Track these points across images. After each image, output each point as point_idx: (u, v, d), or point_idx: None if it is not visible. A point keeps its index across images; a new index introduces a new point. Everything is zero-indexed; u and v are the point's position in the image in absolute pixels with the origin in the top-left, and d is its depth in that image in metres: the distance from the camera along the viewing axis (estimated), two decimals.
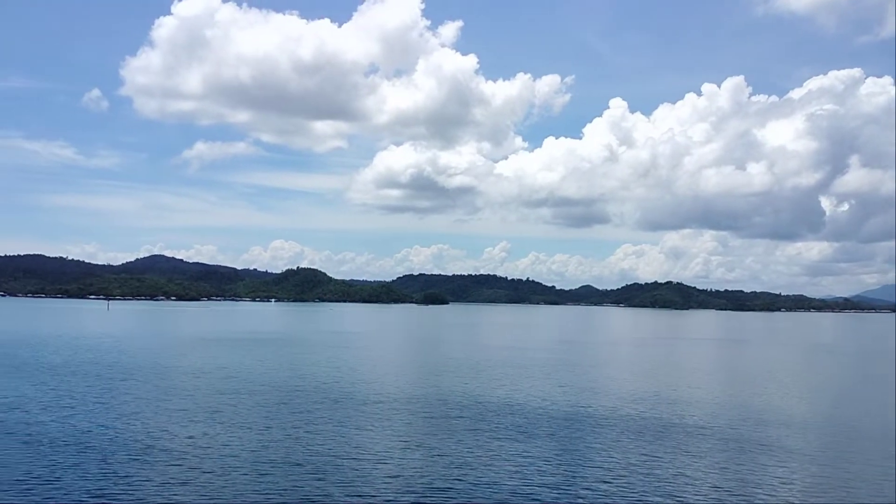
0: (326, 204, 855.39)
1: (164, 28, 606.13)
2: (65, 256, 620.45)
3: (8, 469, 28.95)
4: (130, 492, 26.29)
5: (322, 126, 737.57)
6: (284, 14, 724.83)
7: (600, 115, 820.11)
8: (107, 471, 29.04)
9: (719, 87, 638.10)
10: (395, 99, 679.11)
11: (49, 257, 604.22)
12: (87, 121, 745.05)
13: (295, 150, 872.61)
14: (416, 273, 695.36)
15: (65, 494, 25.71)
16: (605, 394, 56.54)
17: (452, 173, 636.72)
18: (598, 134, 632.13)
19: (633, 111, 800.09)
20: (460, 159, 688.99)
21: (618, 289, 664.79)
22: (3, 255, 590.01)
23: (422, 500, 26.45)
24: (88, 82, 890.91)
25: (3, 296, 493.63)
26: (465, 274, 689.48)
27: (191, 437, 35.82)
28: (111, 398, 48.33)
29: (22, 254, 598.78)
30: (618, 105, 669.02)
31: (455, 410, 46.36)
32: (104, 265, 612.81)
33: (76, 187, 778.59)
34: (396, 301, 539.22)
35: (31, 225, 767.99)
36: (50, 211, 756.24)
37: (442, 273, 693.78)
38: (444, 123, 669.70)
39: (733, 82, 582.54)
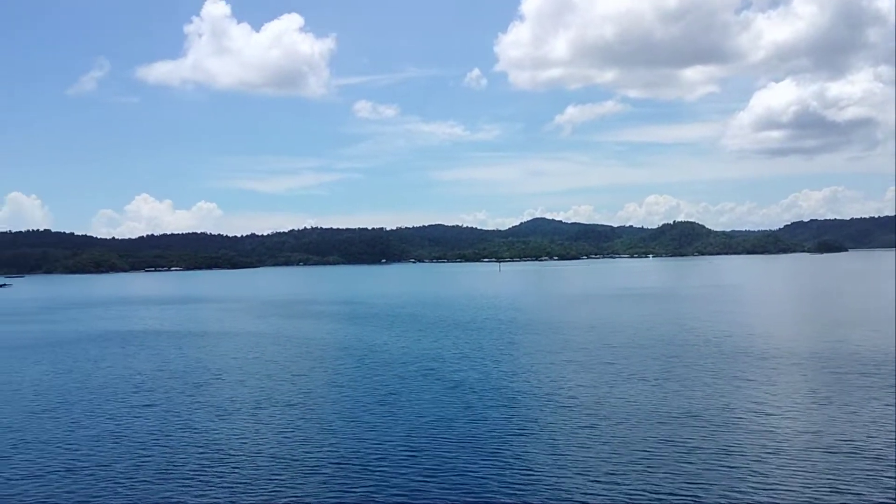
0: (700, 154, 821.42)
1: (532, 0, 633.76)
2: (460, 225, 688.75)
3: (439, 407, 33.62)
4: (541, 434, 28.76)
5: (691, 73, 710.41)
6: None
7: None
8: (517, 413, 32.13)
9: None
10: (771, 32, 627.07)
11: (447, 226, 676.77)
12: (471, 99, 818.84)
13: (664, 101, 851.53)
14: (806, 219, 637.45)
15: (487, 431, 29.08)
16: None
17: (844, 105, 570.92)
18: None
19: None
20: (853, 89, 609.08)
21: None
22: (410, 226, 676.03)
23: (840, 462, 24.67)
24: (469, 64, 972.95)
25: (413, 262, 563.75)
26: (866, 217, 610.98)
27: (593, 387, 37.82)
28: (513, 350, 53.07)
29: (425, 225, 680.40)
30: None
31: (869, 367, 41.81)
32: (493, 230, 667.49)
33: (465, 161, 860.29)
34: (784, 251, 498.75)
35: (431, 198, 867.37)
36: (445, 184, 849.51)
37: (837, 217, 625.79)
38: (830, 51, 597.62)
39: None
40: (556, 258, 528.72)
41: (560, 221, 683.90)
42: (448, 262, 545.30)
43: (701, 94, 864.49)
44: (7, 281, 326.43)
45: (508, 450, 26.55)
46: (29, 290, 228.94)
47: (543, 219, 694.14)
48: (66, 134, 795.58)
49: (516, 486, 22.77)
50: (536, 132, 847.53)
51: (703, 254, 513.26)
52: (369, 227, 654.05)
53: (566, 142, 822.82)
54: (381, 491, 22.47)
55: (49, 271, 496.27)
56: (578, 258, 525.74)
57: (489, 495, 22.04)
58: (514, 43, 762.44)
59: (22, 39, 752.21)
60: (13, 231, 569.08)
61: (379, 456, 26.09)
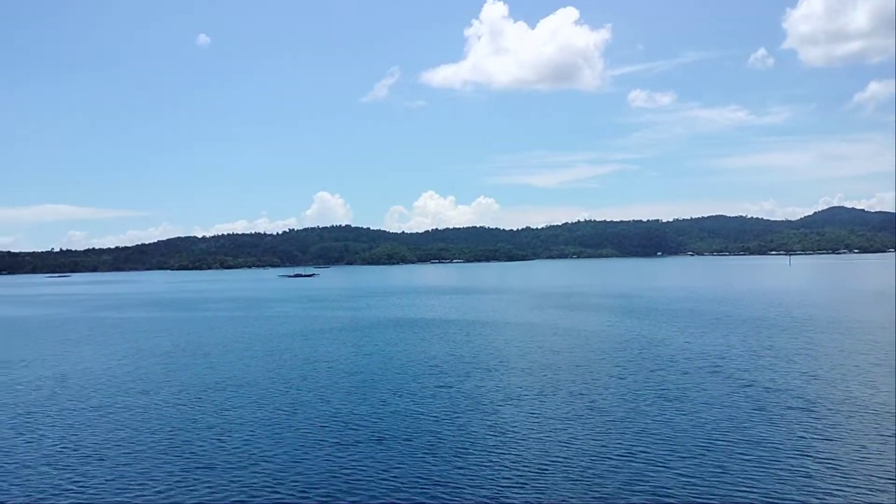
0: None
1: None
2: (744, 215, 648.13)
3: (729, 406, 31.98)
4: (847, 439, 26.19)
5: None
6: None
7: None
8: (819, 416, 29.49)
9: None
10: None
11: (729, 217, 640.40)
12: (755, 81, 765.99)
13: None
14: None
15: (785, 433, 27.11)
16: None
17: None
18: None
19: None
20: None
21: None
22: (688, 217, 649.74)
23: None
24: (753, 43, 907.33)
25: (691, 255, 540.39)
26: None
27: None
28: (811, 350, 48.63)
29: (705, 216, 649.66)
30: None
31: None
32: (782, 221, 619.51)
33: (750, 147, 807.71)
34: None
35: (712, 187, 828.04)
36: (728, 172, 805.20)
37: None
38: None
39: None
40: (856, 251, 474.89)
41: (862, 210, 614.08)
42: (730, 254, 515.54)
43: None
44: (316, 271, 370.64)
45: (809, 453, 24.59)
46: (334, 279, 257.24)
47: (842, 207, 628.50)
48: (363, 138, 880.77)
49: (819, 490, 21.04)
50: (833, 112, 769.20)
51: None
52: (644, 219, 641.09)
53: (868, 121, 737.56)
54: (669, 486, 22.03)
55: (350, 262, 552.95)
56: (884, 251, 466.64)
57: (789, 497, 20.64)
58: (805, 17, 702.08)
59: (326, 58, 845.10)
60: (320, 227, 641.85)
61: (666, 450, 25.57)
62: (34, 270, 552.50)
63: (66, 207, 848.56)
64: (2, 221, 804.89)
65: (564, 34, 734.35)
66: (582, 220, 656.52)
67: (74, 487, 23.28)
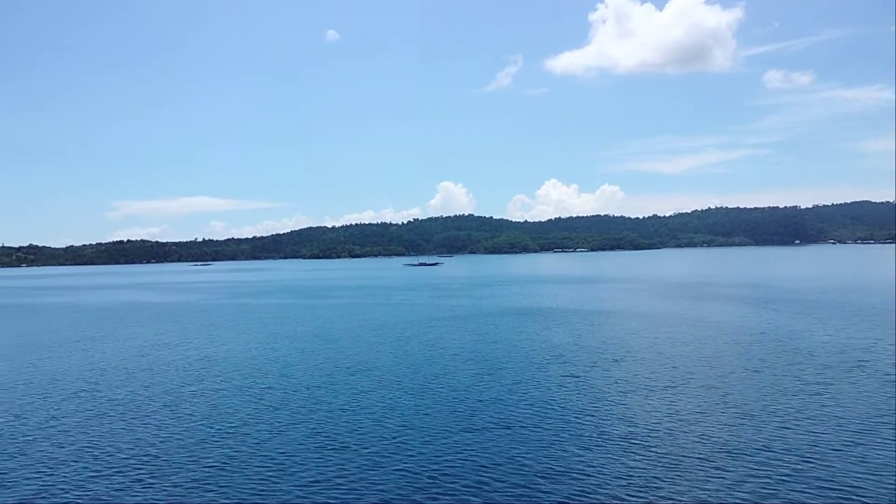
0: None
1: None
2: (890, 201, 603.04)
3: (877, 402, 30.14)
4: None
5: None
6: None
7: None
8: None
9: None
10: None
11: (875, 203, 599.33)
12: None
13: None
14: None
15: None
16: None
17: None
18: None
19: None
20: None
21: None
22: (829, 203, 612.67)
23: None
24: None
25: (833, 243, 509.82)
26: None
27: None
28: None
29: (848, 201, 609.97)
30: None
31: None
32: None
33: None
34: None
35: (855, 172, 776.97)
36: (871, 156, 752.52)
37: None
38: None
39: None
40: None
41: None
42: (876, 243, 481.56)
43: None
44: (440, 260, 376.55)
45: None
46: (457, 268, 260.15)
47: None
48: (486, 127, 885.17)
49: None
50: None
51: None
52: (781, 206, 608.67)
53: None
54: (810, 484, 21.04)
55: (472, 251, 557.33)
56: None
57: None
58: None
59: (450, 50, 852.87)
60: (443, 216, 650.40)
61: (807, 446, 24.41)
62: (179, 259, 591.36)
63: (208, 199, 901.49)
64: (151, 213, 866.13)
65: (694, 14, 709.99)
66: (712, 207, 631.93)
67: (221, 460, 24.89)
